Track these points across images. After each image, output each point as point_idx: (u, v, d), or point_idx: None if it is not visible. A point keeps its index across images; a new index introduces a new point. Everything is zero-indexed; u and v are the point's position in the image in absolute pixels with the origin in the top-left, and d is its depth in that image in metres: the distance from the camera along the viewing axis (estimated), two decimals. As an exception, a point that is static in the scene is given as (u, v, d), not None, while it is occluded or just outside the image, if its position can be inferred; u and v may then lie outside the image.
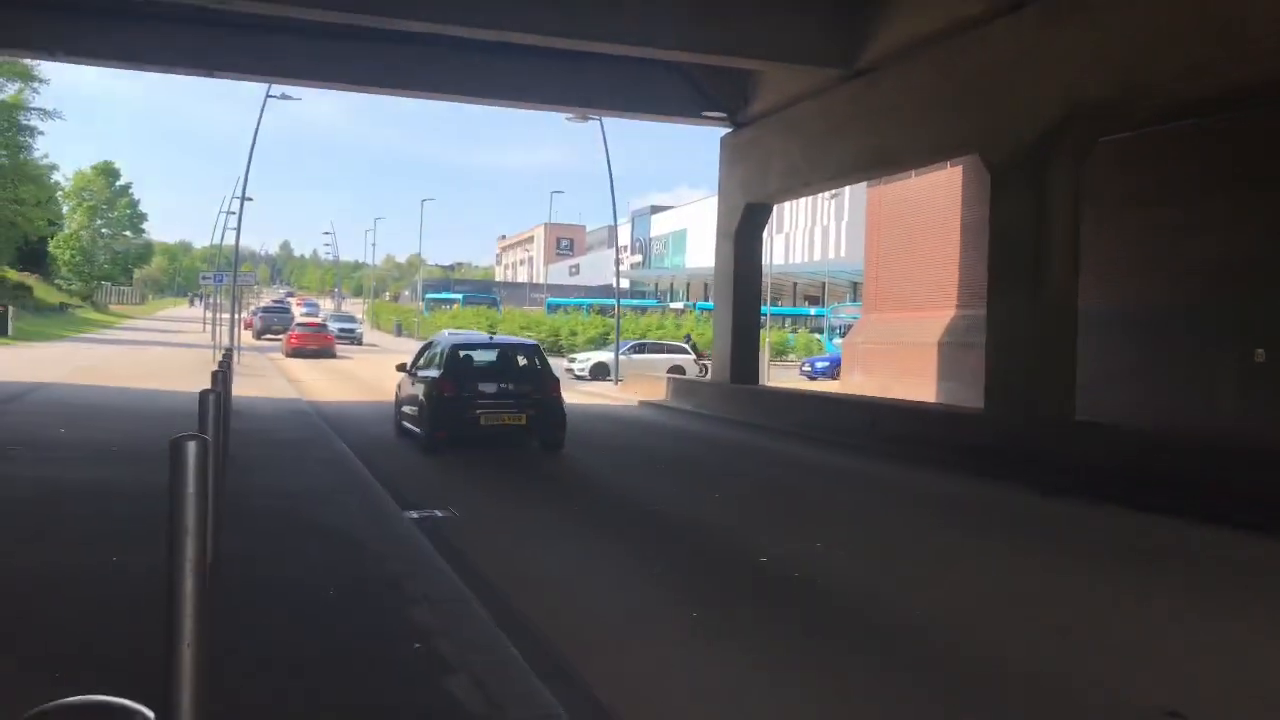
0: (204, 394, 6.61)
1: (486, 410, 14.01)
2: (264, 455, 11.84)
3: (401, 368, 16.50)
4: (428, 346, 16.71)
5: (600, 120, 28.90)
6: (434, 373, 14.56)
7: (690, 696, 4.92)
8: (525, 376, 14.89)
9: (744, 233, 22.65)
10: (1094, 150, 14.36)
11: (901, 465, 14.44)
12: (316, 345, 39.75)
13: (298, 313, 57.68)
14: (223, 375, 9.55)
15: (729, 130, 23.32)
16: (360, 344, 51.95)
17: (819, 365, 38.39)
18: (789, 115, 20.72)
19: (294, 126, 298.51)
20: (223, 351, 16.43)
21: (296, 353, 39.19)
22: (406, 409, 15.59)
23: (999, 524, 10.35)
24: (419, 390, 14.80)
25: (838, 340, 40.32)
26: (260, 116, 30.02)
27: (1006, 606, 6.82)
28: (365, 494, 9.60)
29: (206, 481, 3.91)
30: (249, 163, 32.08)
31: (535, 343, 17.86)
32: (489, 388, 14.38)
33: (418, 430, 14.72)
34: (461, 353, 15.14)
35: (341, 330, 50.79)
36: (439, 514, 9.41)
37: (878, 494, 12.21)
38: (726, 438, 17.99)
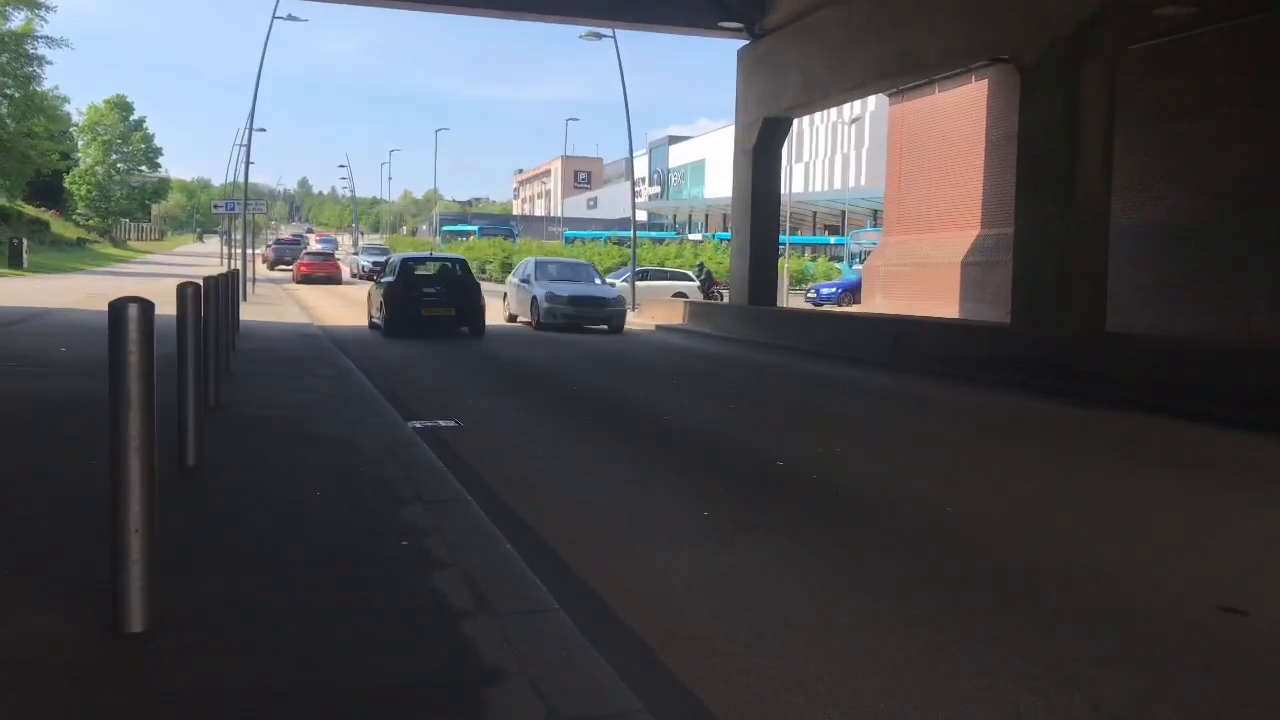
0: (181, 286, 6.23)
1: (427, 305, 18.71)
2: (267, 371, 11.53)
3: (369, 279, 22.88)
4: (387, 262, 22.32)
5: (614, 36, 28.01)
6: (391, 279, 19.38)
7: (694, 589, 4.54)
8: (455, 281, 19.82)
9: (762, 149, 21.96)
10: (1126, 53, 13.62)
11: (926, 379, 13.98)
12: (324, 272, 44.28)
13: (316, 246, 60.52)
14: (217, 283, 9.16)
15: (746, 43, 22.52)
16: None
17: (824, 291, 36.73)
18: (808, 24, 19.90)
19: (311, 65, 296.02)
20: (227, 268, 16.06)
21: (305, 279, 43.10)
22: (373, 308, 20.35)
23: (1029, 432, 9.92)
24: (380, 293, 19.52)
25: (857, 266, 39.37)
26: (268, 36, 29.21)
27: (1042, 508, 6.41)
28: (367, 405, 9.24)
29: (151, 350, 3.52)
30: (256, 88, 31.37)
31: (463, 257, 22.90)
32: (429, 289, 19.21)
33: (381, 323, 19.25)
34: (410, 264, 20.39)
35: (375, 264, 49.00)
36: (444, 424, 9.05)
37: (900, 406, 11.77)
38: (745, 357, 17.56)
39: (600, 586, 4.57)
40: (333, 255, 50.64)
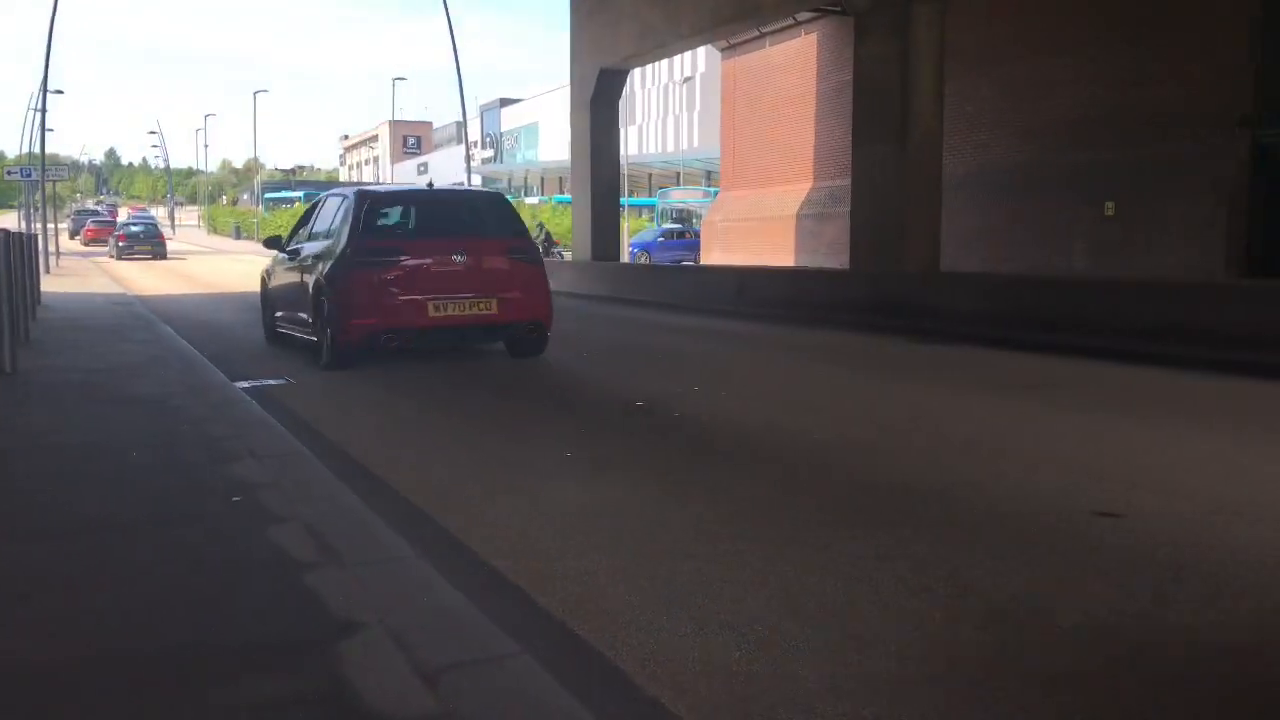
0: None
1: (137, 245, 40.77)
2: (73, 339, 10.55)
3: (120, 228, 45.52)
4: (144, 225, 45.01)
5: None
6: (119, 232, 42.95)
7: (561, 524, 4.21)
8: (152, 234, 42.04)
9: (600, 101, 21.56)
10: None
11: (772, 324, 14.02)
12: (108, 236, 51.18)
13: (124, 218, 62.20)
14: (7, 237, 8.21)
15: (580, -8, 22.01)
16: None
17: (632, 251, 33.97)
18: (642, -30, 19.57)
19: (112, 27, 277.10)
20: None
21: (91, 242, 52.19)
22: (110, 248, 41.42)
23: (879, 366, 9.98)
24: (114, 240, 42.41)
25: (667, 224, 39.38)
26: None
27: (905, 431, 6.35)
28: (188, 366, 8.51)
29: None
30: (49, 44, 28.82)
31: (154, 219, 52.44)
32: (138, 238, 41.31)
33: (115, 254, 39.53)
34: (128, 225, 45.56)
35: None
36: (272, 382, 8.41)
37: (751, 348, 11.73)
38: (591, 310, 17.24)
39: (457, 529, 4.18)
40: (115, 221, 58.87)
